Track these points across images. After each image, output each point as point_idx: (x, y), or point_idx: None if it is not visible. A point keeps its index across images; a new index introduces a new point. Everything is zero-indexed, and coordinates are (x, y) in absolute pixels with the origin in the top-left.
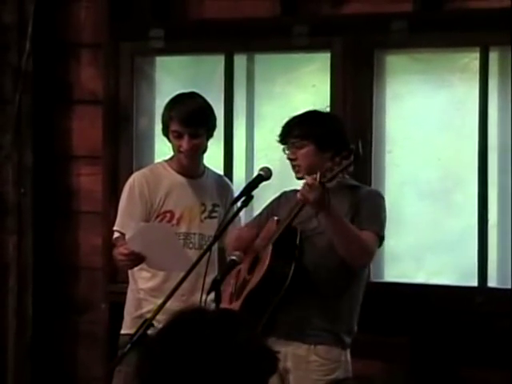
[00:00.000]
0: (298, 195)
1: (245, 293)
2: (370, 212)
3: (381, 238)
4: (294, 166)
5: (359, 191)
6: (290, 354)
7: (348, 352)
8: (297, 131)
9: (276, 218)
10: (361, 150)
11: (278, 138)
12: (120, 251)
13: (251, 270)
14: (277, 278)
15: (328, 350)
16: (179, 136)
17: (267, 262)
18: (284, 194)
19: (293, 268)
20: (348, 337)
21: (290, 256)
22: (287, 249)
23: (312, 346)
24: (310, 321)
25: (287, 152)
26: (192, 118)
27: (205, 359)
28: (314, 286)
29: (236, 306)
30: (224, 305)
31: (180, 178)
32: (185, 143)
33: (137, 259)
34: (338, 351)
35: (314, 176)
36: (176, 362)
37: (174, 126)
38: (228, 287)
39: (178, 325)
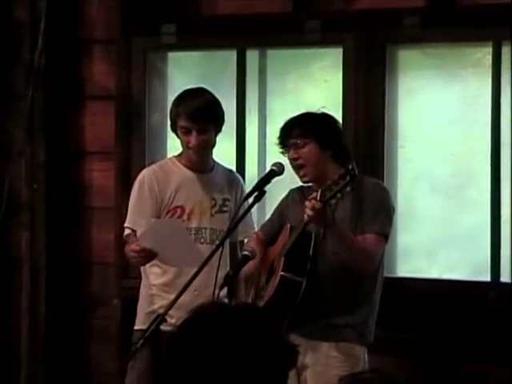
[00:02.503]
0: (305, 216)
1: (262, 303)
2: (373, 212)
3: (386, 236)
4: (297, 168)
5: (362, 186)
6: (310, 349)
7: (366, 349)
8: (297, 131)
9: (289, 225)
10: (356, 171)
11: (277, 142)
12: (132, 248)
13: (268, 279)
14: (289, 291)
15: (350, 348)
16: (187, 132)
17: (278, 277)
18: (291, 193)
19: (304, 282)
20: (370, 333)
21: (301, 269)
22: (299, 260)
23: (333, 344)
24: (331, 318)
25: (288, 154)
26: (199, 114)
27: (225, 352)
28: (332, 286)
29: None
30: None
31: (190, 174)
32: (193, 139)
33: (149, 255)
34: (359, 348)
35: (315, 195)
36: (197, 355)
37: (181, 122)
38: (249, 292)
39: (198, 319)
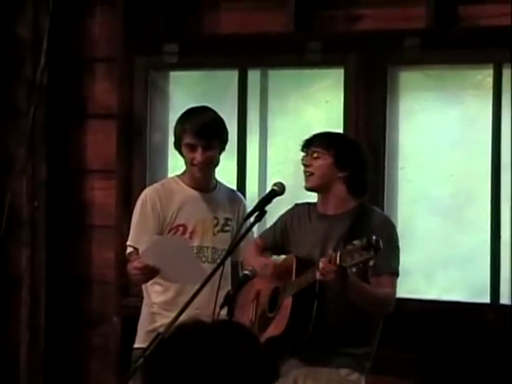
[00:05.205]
0: (318, 275)
1: (267, 335)
2: (385, 251)
3: (398, 274)
4: (306, 174)
5: (371, 221)
6: (311, 375)
7: (364, 377)
8: (319, 141)
9: (295, 256)
10: (381, 245)
11: (300, 148)
12: (134, 265)
13: (272, 306)
14: (298, 329)
15: (349, 373)
16: (192, 148)
17: (288, 316)
18: (296, 208)
19: (312, 323)
20: (368, 362)
21: (309, 308)
22: (307, 299)
23: (334, 369)
24: (335, 348)
25: (304, 159)
26: (205, 130)
27: (204, 370)
28: (339, 320)
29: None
30: None
31: (192, 192)
32: (198, 155)
33: (151, 272)
34: (357, 376)
35: (332, 256)
36: (177, 373)
37: (187, 139)
38: (247, 308)
39: (177, 337)
